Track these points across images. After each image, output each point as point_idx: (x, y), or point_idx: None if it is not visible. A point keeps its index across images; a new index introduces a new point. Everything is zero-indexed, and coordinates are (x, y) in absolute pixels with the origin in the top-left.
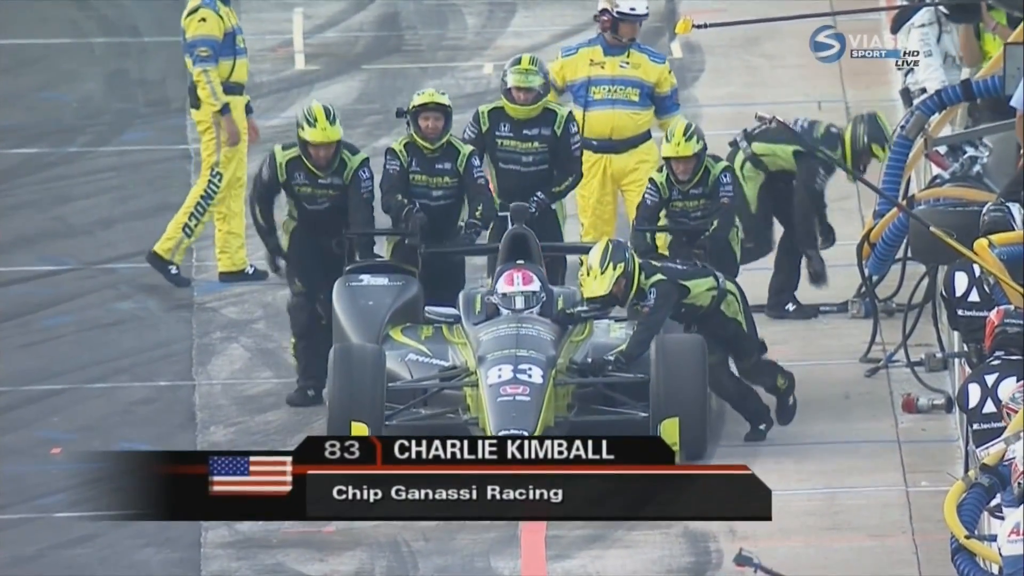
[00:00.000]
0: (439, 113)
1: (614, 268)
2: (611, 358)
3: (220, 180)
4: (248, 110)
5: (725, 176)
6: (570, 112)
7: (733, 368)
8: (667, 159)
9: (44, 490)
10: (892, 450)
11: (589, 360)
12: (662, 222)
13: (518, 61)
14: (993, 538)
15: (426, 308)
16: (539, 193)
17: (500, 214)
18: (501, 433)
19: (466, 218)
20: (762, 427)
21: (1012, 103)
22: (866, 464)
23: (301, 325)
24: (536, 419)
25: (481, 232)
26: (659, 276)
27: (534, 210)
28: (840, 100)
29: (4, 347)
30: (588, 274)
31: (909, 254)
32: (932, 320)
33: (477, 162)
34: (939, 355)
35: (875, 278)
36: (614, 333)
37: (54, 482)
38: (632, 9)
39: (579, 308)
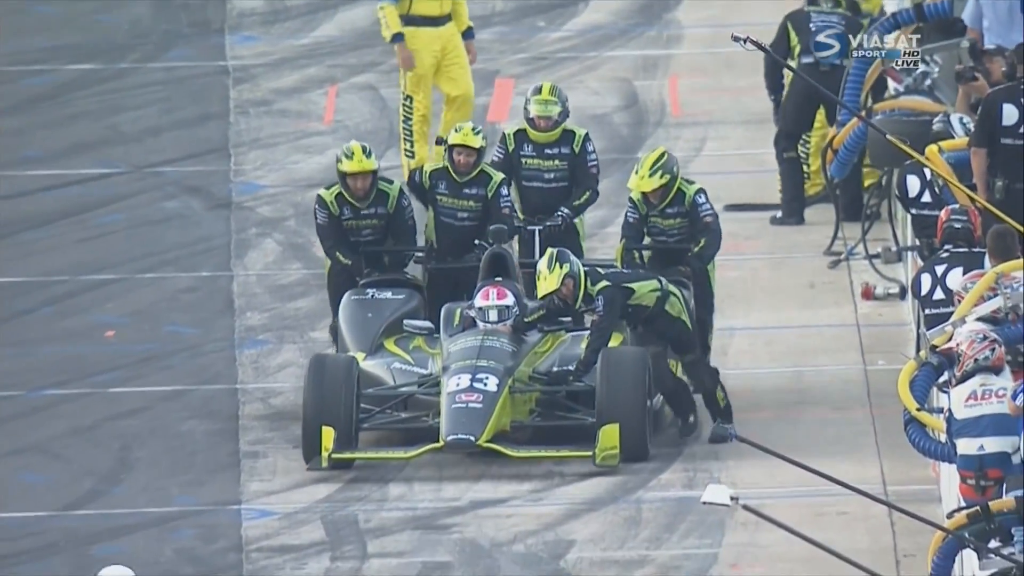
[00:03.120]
0: (471, 153)
1: (560, 267)
2: (571, 367)
3: (411, 103)
4: (468, 35)
5: (700, 196)
6: (587, 132)
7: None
8: (635, 190)
9: (100, 368)
10: (852, 333)
11: (556, 370)
12: (647, 239)
13: (539, 91)
14: (940, 411)
15: (404, 321)
16: (563, 208)
17: (496, 226)
18: (449, 438)
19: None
20: (691, 419)
21: (964, 19)
22: (829, 345)
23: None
24: (484, 426)
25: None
26: (604, 283)
27: (560, 224)
28: None
29: (63, 242)
30: (539, 277)
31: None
32: (888, 218)
33: (506, 191)
34: (894, 249)
35: (836, 180)
36: (583, 344)
37: (108, 361)
38: None
39: (535, 315)
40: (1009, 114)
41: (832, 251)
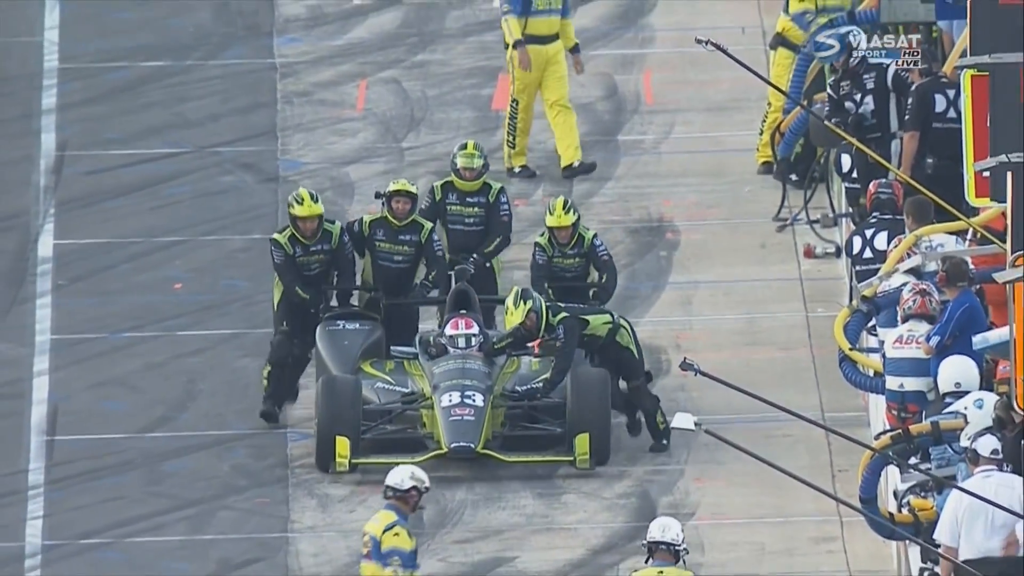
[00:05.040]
0: (408, 199)
1: (524, 303)
2: (539, 385)
3: (517, 105)
4: (575, 50)
5: (597, 239)
6: (502, 186)
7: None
8: (550, 228)
9: (168, 315)
10: (796, 286)
11: (519, 388)
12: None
13: (464, 147)
14: (869, 350)
15: (391, 348)
16: (474, 255)
17: (458, 266)
18: (453, 445)
19: (421, 278)
20: (638, 416)
21: (940, 23)
22: (777, 296)
23: (279, 357)
24: (479, 435)
25: (431, 291)
26: (564, 314)
27: (471, 269)
28: (758, 26)
29: (139, 209)
30: (507, 312)
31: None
32: (826, 189)
33: (436, 237)
34: (831, 215)
35: (782, 157)
36: (534, 367)
37: (175, 309)
38: None
39: (504, 342)
40: (939, 102)
41: (779, 217)
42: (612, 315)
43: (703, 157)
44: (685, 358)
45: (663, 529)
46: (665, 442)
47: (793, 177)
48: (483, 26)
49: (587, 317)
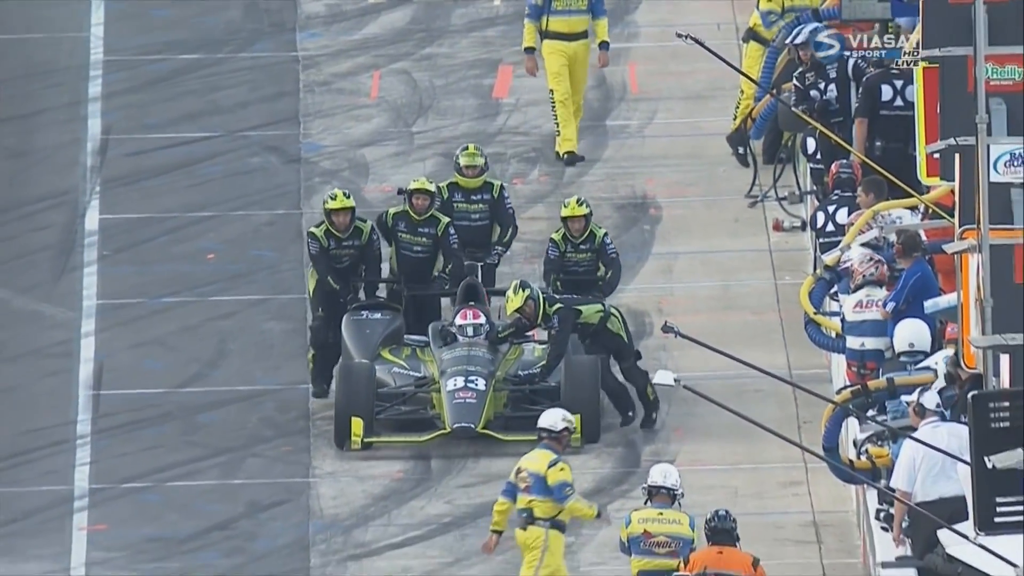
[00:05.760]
0: (426, 196)
1: (523, 291)
2: (537, 371)
3: (553, 95)
4: (603, 47)
5: (607, 238)
6: (502, 184)
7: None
8: (564, 219)
9: (202, 282)
10: (766, 256)
11: (521, 373)
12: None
13: (466, 148)
14: (831, 314)
15: (406, 336)
16: (497, 247)
17: (466, 262)
18: (455, 426)
19: (439, 270)
20: (630, 414)
21: (898, 20)
22: (749, 265)
23: (319, 340)
24: (480, 416)
25: (447, 282)
26: (559, 305)
27: (497, 260)
28: (732, 22)
29: (175, 187)
30: (508, 300)
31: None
32: (793, 169)
33: (453, 231)
34: (797, 192)
35: (754, 140)
36: (536, 353)
37: (209, 276)
38: None
39: (507, 331)
40: (886, 92)
41: (751, 194)
42: (604, 304)
43: (683, 141)
44: (666, 321)
45: (664, 475)
46: (654, 415)
47: (741, 151)
48: (485, 23)
49: (580, 307)
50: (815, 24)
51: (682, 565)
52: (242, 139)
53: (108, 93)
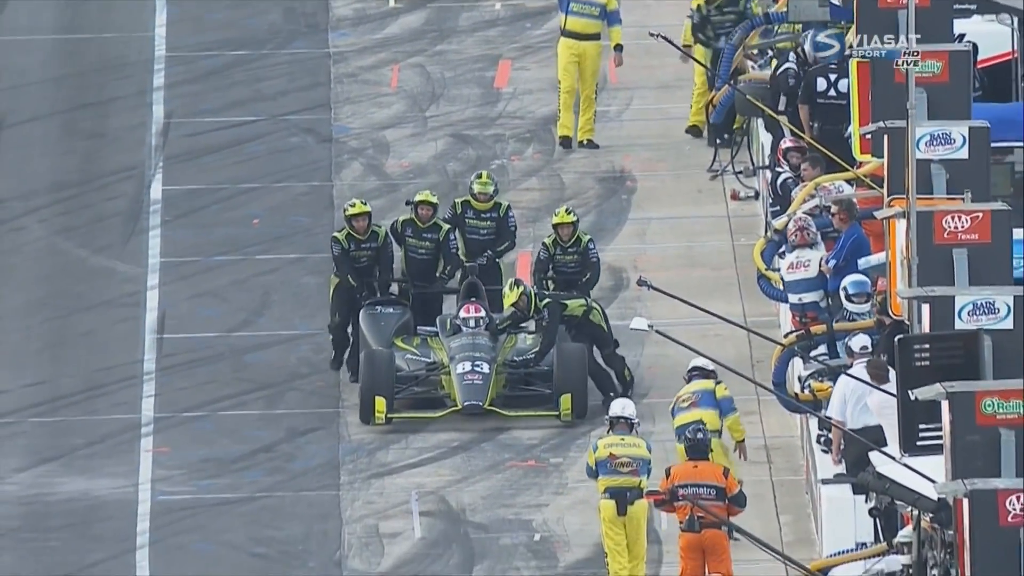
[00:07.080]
0: (430, 207)
1: (517, 287)
2: (531, 356)
3: (560, 86)
4: (617, 48)
5: (592, 244)
6: (508, 204)
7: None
8: (555, 225)
9: (249, 243)
10: (724, 221)
11: (516, 358)
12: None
13: (480, 176)
14: (779, 270)
15: (418, 327)
16: (488, 251)
17: (468, 263)
18: (465, 404)
19: (439, 271)
20: (611, 394)
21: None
22: (709, 229)
23: (338, 341)
24: (486, 395)
25: (447, 281)
26: (548, 300)
27: (485, 263)
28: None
29: (225, 163)
30: (504, 296)
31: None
32: (747, 147)
33: (453, 237)
34: (751, 167)
35: (714, 122)
36: (529, 342)
37: (254, 239)
38: None
39: (505, 323)
40: (821, 84)
41: (712, 168)
42: (587, 300)
43: (654, 124)
44: (640, 276)
45: (623, 407)
46: (630, 393)
47: (719, 140)
48: (487, 24)
49: (566, 302)
50: (766, 25)
51: (663, 479)
52: (282, 122)
53: (169, 84)
